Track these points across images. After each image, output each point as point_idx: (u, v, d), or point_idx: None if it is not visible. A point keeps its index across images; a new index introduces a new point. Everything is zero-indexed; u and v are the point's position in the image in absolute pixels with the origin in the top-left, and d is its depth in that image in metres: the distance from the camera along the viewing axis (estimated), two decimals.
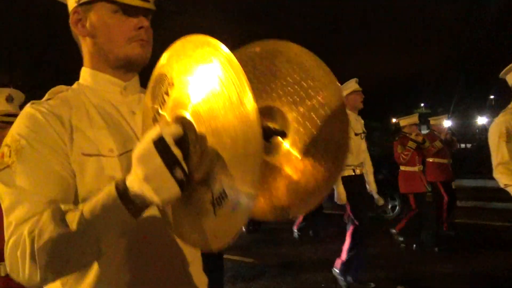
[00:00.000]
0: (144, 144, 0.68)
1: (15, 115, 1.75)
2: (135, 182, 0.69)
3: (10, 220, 0.77)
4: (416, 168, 5.02)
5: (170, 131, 0.68)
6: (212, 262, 2.90)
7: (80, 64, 1.00)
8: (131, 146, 0.87)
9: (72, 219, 0.72)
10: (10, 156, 0.81)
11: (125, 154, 0.88)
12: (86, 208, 0.73)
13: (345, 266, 3.76)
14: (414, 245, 5.07)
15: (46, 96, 0.92)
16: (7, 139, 0.84)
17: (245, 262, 4.98)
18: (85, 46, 0.96)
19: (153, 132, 0.68)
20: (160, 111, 0.79)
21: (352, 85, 3.80)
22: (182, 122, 0.72)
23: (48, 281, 0.76)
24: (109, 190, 0.72)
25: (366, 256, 3.93)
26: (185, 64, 0.73)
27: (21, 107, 1.88)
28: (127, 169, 0.84)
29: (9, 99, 1.80)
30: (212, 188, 0.69)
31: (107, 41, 0.91)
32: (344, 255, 3.76)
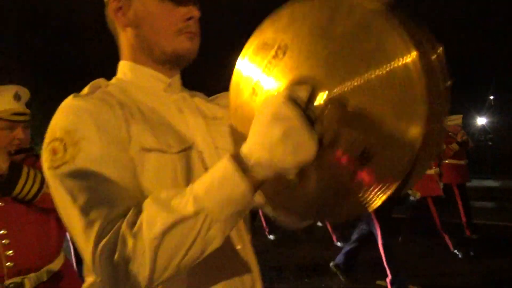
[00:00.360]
0: (276, 102, 0.60)
1: (23, 114, 1.71)
2: (261, 147, 0.60)
3: (92, 218, 0.65)
4: (433, 171, 4.88)
5: (301, 90, 0.62)
6: None
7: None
8: (185, 145, 0.81)
9: (183, 202, 0.62)
10: (66, 151, 0.69)
11: (184, 152, 0.80)
12: (198, 187, 0.63)
13: (395, 280, 3.57)
14: (400, 238, 5.04)
15: (87, 89, 0.81)
16: (55, 133, 0.71)
17: (262, 265, 4.90)
18: (125, 38, 0.86)
19: (283, 92, 0.62)
20: (261, 82, 0.72)
21: None
22: (309, 81, 0.64)
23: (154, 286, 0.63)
24: (223, 164, 0.63)
25: (357, 257, 3.96)
26: (308, 22, 0.65)
27: (26, 105, 1.80)
28: (186, 168, 0.79)
29: (17, 97, 1.72)
30: (348, 147, 0.61)
31: (153, 33, 0.81)
32: (389, 272, 3.59)
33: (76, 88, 0.94)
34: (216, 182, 0.62)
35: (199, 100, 0.95)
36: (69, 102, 0.75)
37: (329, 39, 0.63)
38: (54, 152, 0.70)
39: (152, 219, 0.61)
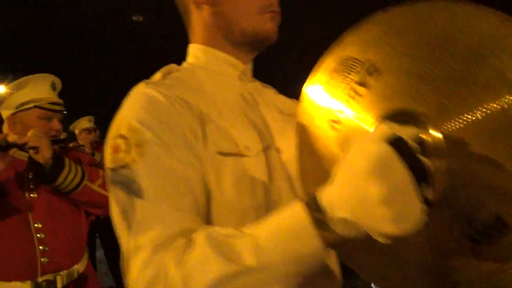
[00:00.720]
0: (375, 149, 0.46)
1: (58, 104, 1.67)
2: (351, 204, 0.47)
3: (141, 243, 0.56)
4: None
5: (408, 131, 0.47)
6: None
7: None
8: (263, 144, 0.71)
9: (242, 249, 0.52)
10: (128, 152, 0.61)
11: (263, 153, 0.70)
12: (261, 233, 0.52)
13: None
14: None
15: (159, 75, 0.74)
16: (121, 128, 0.63)
17: None
18: (199, 17, 0.76)
19: (382, 133, 0.46)
20: (343, 112, 0.60)
21: None
22: (412, 117, 0.50)
23: None
24: (295, 210, 0.52)
25: None
26: (406, 37, 0.52)
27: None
28: (266, 170, 0.69)
29: (53, 86, 1.70)
30: (464, 215, 0.48)
31: (234, 10, 0.73)
32: None
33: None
34: (284, 231, 0.51)
35: (271, 92, 0.87)
36: (140, 90, 0.67)
37: (437, 61, 0.49)
38: (116, 150, 0.62)
39: (206, 262, 0.52)
